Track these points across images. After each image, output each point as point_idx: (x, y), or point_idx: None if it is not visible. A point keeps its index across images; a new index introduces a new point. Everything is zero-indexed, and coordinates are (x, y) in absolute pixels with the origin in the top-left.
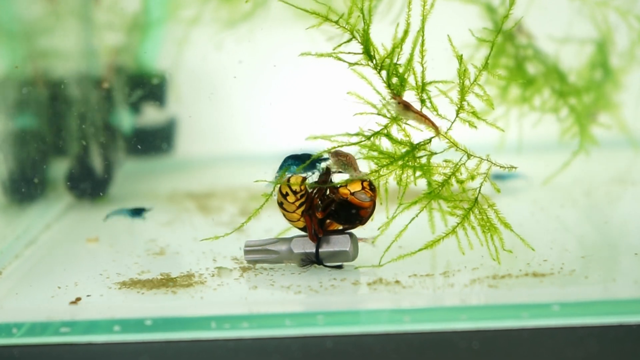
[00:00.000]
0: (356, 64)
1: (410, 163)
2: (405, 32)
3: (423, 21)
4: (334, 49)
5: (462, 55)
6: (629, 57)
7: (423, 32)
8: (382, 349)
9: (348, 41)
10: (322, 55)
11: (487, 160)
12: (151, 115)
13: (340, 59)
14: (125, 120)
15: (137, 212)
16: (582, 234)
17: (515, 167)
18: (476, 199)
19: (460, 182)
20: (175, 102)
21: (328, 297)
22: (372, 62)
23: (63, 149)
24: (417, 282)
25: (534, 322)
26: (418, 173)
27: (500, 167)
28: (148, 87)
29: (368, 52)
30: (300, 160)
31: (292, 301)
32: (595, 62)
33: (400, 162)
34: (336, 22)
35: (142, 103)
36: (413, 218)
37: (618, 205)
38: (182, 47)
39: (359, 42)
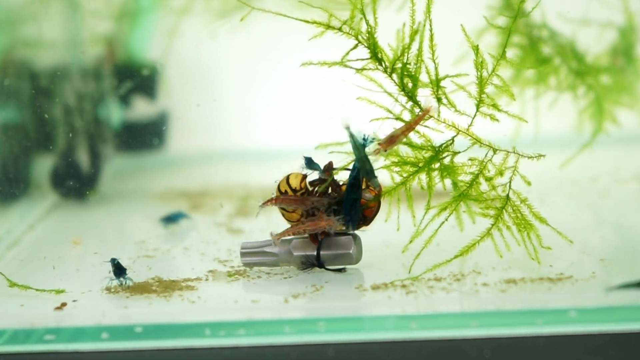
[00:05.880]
0: (364, 69)
1: (434, 166)
2: (413, 33)
3: (428, 12)
4: (342, 58)
5: (477, 45)
6: None
7: (431, 26)
8: (388, 357)
9: (354, 47)
10: (326, 64)
11: (514, 152)
12: (141, 109)
13: (347, 66)
14: (114, 114)
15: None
16: (600, 235)
17: (544, 155)
18: (507, 195)
19: (489, 179)
20: (166, 95)
21: (330, 302)
22: (381, 65)
23: (48, 144)
24: (425, 286)
25: (549, 329)
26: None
27: (528, 157)
28: (138, 79)
29: (376, 56)
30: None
31: (291, 307)
32: (617, 49)
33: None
34: (339, 29)
35: (132, 96)
36: (442, 222)
37: (638, 205)
38: (172, 37)
39: (365, 46)
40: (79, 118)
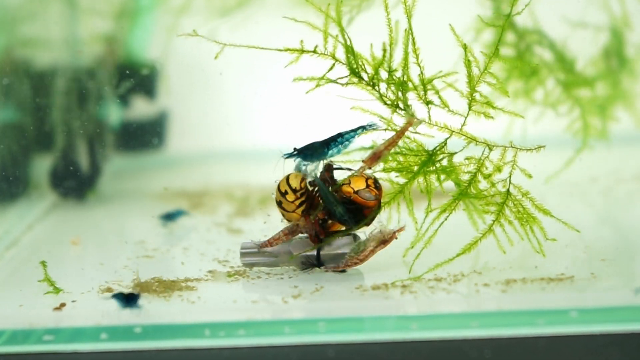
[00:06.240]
0: (348, 84)
1: (431, 169)
2: (390, 45)
3: (409, 17)
4: (319, 79)
5: (466, 44)
6: None
7: (411, 31)
8: (388, 358)
9: (331, 68)
10: (313, 79)
11: (512, 147)
12: (141, 108)
13: (333, 82)
14: (113, 113)
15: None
16: (601, 235)
17: (544, 146)
18: (508, 190)
19: (487, 176)
20: (166, 94)
21: (330, 303)
22: (362, 80)
23: (47, 144)
24: (425, 287)
25: (550, 330)
26: (435, 178)
27: (527, 150)
28: (137, 78)
29: (355, 72)
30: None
31: (291, 307)
32: (609, 51)
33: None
34: (314, 52)
35: (131, 95)
36: (442, 222)
37: (639, 205)
38: (171, 35)
39: (342, 63)
40: (78, 117)
